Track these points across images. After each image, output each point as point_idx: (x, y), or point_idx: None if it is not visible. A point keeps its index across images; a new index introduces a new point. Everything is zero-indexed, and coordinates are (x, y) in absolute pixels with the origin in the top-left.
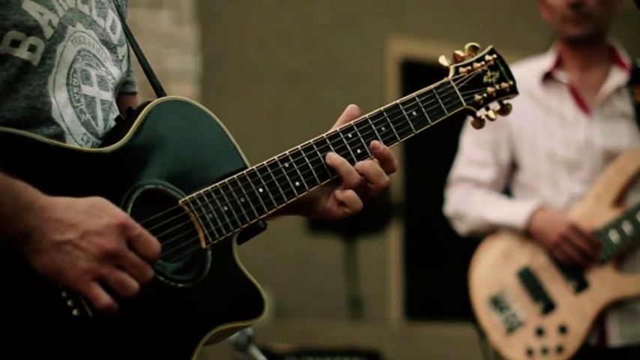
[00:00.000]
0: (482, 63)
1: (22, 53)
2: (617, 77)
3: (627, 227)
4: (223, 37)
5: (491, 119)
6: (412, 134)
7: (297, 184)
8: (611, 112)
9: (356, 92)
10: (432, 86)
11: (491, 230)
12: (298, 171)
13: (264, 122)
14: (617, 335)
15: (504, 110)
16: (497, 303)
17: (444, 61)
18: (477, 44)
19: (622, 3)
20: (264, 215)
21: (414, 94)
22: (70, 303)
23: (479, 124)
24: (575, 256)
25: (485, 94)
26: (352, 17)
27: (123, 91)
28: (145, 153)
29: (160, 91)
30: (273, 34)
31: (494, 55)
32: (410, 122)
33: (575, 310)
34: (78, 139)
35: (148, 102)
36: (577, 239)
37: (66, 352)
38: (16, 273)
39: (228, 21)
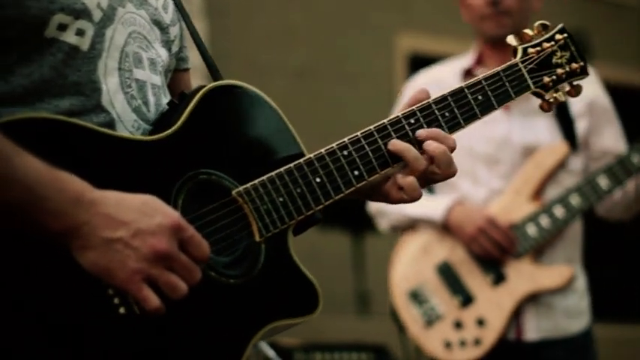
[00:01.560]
0: (552, 43)
1: (70, 37)
2: None
3: (544, 221)
4: (231, 32)
5: (561, 102)
6: (477, 119)
7: (356, 173)
8: (529, 109)
9: (364, 88)
10: (499, 69)
11: (411, 225)
12: (357, 159)
13: None
14: (533, 329)
15: (575, 91)
16: (417, 296)
17: (512, 40)
18: (547, 22)
19: (541, 1)
20: (321, 206)
21: (480, 77)
22: (116, 301)
23: (547, 106)
24: (492, 249)
25: (554, 76)
26: (360, 12)
27: (175, 67)
28: (197, 141)
29: (215, 72)
30: (280, 29)
31: (565, 34)
32: (475, 107)
33: (492, 303)
34: (129, 126)
35: (202, 87)
36: (493, 232)
37: (112, 351)
38: (60, 268)
39: (236, 16)
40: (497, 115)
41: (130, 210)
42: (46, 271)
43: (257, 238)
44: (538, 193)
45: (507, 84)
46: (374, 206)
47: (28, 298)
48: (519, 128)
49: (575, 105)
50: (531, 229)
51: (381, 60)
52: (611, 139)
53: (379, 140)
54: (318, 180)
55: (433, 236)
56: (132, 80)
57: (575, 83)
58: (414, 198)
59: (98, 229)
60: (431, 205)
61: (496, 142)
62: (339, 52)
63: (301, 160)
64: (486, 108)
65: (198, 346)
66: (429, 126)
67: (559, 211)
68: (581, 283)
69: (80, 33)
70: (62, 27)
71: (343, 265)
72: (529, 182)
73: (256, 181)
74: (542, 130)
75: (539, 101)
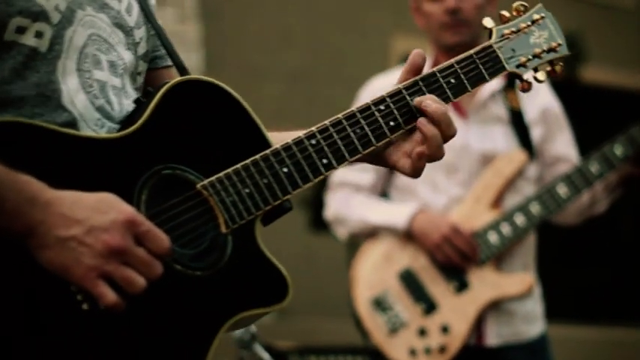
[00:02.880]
0: (529, 23)
1: (28, 40)
2: (492, 82)
3: (505, 228)
4: (226, 34)
5: (540, 81)
6: (449, 102)
7: (325, 161)
8: (486, 117)
9: (359, 90)
10: (472, 51)
11: (372, 233)
12: (326, 147)
13: (267, 120)
14: (494, 335)
15: (554, 71)
16: (380, 304)
17: (487, 22)
18: (525, 3)
19: (495, 10)
20: (289, 196)
21: (452, 61)
22: (79, 297)
23: (527, 86)
24: (455, 257)
25: (531, 56)
26: (355, 15)
27: (154, 66)
28: (161, 136)
29: (182, 70)
30: (275, 32)
31: (542, 14)
32: (447, 90)
33: (456, 310)
34: (92, 124)
35: (166, 83)
36: (457, 240)
37: (78, 347)
38: (24, 267)
39: (231, 19)
40: (454, 122)
41: (84, 208)
42: (11, 268)
43: (223, 229)
44: (498, 200)
45: (481, 66)
46: (331, 212)
47: None
48: (477, 136)
49: (530, 113)
50: (493, 237)
51: (376, 62)
52: (563, 146)
53: (348, 128)
54: (285, 170)
55: (394, 244)
56: (92, 80)
57: (555, 63)
58: (420, 168)
59: (53, 228)
60: (393, 213)
61: (455, 150)
62: (334, 55)
63: (267, 151)
64: (459, 91)
65: (165, 339)
66: (399, 111)
67: (520, 219)
68: (537, 289)
69: (39, 35)
70: (21, 30)
71: (338, 268)
72: (489, 190)
73: (221, 174)
74: (499, 137)
75: (496, 108)
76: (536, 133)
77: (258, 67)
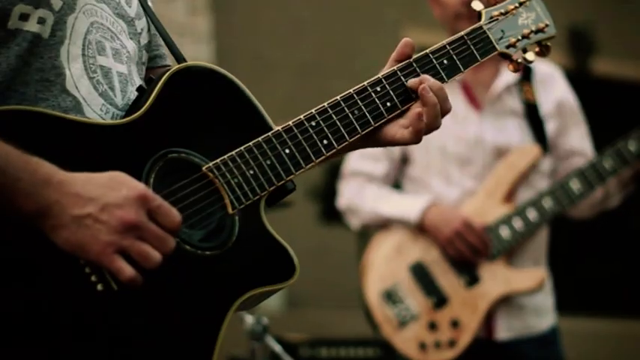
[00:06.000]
0: (517, 4)
1: (32, 26)
2: (508, 75)
3: (517, 223)
4: (237, 27)
5: (529, 62)
6: (444, 83)
7: (325, 142)
8: (501, 109)
9: None
10: (463, 32)
11: (384, 224)
12: (326, 129)
13: (277, 113)
14: (504, 328)
15: (543, 52)
16: (391, 296)
17: (476, 5)
18: None
19: None
20: (292, 176)
21: (444, 42)
22: (94, 278)
23: (517, 66)
24: (466, 252)
25: (520, 36)
26: (367, 8)
27: (152, 65)
28: (166, 121)
29: (181, 61)
30: (286, 24)
31: None
32: (441, 71)
33: (466, 305)
34: (97, 109)
35: (168, 69)
36: (469, 235)
37: (92, 327)
38: (37, 250)
39: (242, 11)
40: (468, 115)
41: (97, 186)
42: (25, 254)
43: (230, 210)
44: (510, 195)
45: (472, 47)
46: (344, 202)
47: (8, 281)
48: (491, 129)
49: (545, 106)
50: (505, 232)
51: (387, 55)
52: (577, 139)
53: (346, 109)
54: (287, 151)
55: (406, 236)
56: (96, 66)
57: (543, 43)
58: (434, 128)
59: (68, 207)
60: (405, 206)
61: (468, 143)
62: (345, 47)
63: (269, 133)
64: (452, 71)
65: (178, 318)
66: (394, 92)
67: (532, 214)
68: (548, 282)
69: (41, 21)
70: (24, 17)
71: (349, 260)
72: (502, 184)
73: (225, 156)
74: (514, 131)
75: (511, 101)
76: (551, 127)
77: (269, 59)
